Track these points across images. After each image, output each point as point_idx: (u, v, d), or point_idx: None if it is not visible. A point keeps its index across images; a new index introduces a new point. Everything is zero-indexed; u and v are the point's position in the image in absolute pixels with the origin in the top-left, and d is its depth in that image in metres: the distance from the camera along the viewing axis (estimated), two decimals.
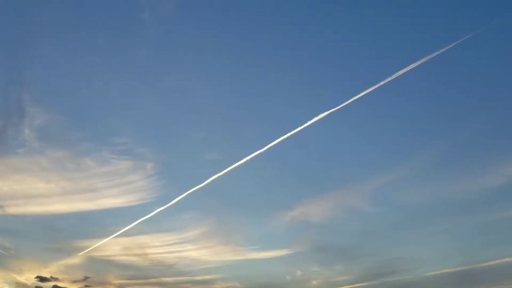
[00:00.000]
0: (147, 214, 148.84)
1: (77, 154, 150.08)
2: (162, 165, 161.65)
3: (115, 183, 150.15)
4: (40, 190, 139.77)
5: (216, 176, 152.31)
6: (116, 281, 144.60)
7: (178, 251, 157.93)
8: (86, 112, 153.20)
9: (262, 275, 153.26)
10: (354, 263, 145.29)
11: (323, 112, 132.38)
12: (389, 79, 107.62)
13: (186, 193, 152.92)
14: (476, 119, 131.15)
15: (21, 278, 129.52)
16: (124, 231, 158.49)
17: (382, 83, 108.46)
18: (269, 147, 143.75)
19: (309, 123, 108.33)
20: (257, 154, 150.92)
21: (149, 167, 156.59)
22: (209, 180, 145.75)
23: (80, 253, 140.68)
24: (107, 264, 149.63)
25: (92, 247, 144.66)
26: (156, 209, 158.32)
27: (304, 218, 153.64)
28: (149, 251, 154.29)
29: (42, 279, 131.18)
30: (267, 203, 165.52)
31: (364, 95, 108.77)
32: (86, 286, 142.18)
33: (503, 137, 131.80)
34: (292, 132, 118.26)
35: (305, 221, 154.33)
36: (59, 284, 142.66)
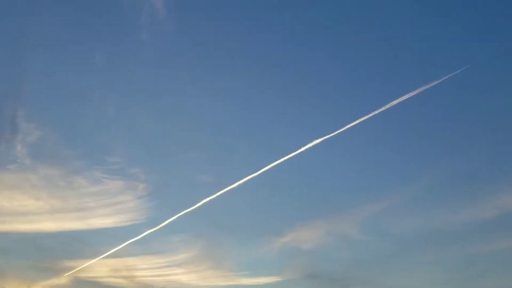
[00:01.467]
0: (136, 236, 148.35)
1: (68, 172, 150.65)
2: (153, 186, 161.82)
3: (105, 203, 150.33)
4: (29, 207, 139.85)
5: (208, 199, 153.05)
6: None
7: (167, 275, 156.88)
8: (79, 129, 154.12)
9: None
10: None
11: (317, 138, 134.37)
12: (384, 107, 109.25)
13: (177, 215, 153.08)
14: (470, 150, 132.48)
15: None
16: (113, 252, 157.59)
17: (377, 111, 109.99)
18: (262, 172, 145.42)
19: (303, 148, 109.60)
20: (250, 178, 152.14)
21: (141, 188, 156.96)
22: (200, 203, 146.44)
23: (66, 274, 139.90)
24: (94, 285, 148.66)
25: (79, 267, 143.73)
26: (146, 231, 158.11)
27: (295, 244, 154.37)
28: (137, 273, 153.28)
29: None
30: (258, 228, 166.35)
31: (359, 122, 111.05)
32: None
33: (497, 168, 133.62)
34: (286, 157, 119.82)
35: (296, 248, 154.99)
36: None
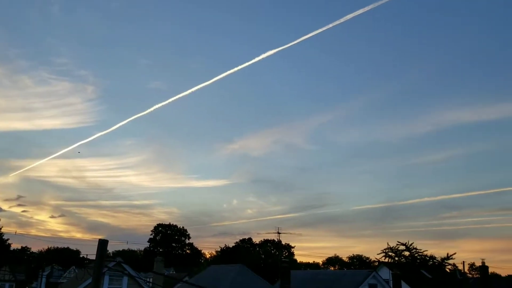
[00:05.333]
0: (86, 138, 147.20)
1: (13, 71, 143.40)
2: (103, 90, 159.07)
3: (53, 104, 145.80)
4: None
5: (160, 105, 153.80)
6: (52, 202, 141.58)
7: (117, 176, 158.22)
8: (25, 28, 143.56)
9: (200, 203, 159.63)
10: (287, 195, 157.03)
11: (270, 50, 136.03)
12: (336, 22, 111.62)
13: (128, 120, 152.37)
14: (411, 71, 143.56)
15: None
16: (62, 153, 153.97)
17: (330, 25, 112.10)
18: (215, 80, 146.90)
19: (256, 59, 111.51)
20: (203, 86, 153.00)
21: (90, 91, 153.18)
22: (152, 109, 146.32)
23: (14, 173, 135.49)
24: (43, 185, 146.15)
25: (27, 167, 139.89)
26: (96, 134, 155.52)
27: (244, 151, 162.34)
28: (87, 174, 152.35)
29: None
30: (209, 134, 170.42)
31: (311, 36, 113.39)
32: (19, 205, 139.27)
33: (433, 88, 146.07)
34: (239, 67, 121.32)
35: (245, 154, 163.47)
36: None
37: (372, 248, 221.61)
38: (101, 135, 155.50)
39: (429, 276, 44.77)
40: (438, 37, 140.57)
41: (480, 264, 41.78)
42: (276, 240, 72.21)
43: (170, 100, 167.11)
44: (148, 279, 40.23)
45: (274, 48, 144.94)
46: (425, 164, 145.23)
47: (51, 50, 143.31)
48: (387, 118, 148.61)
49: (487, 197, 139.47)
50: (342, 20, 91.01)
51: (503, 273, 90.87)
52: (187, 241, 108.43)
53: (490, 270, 45.69)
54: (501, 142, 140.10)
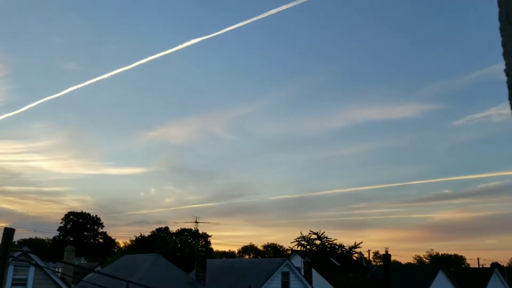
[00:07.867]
0: None
1: None
2: (13, 68, 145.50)
3: None
4: None
5: (74, 87, 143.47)
6: None
7: (26, 161, 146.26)
8: None
9: (116, 191, 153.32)
10: (206, 185, 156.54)
11: (195, 38, 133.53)
12: (261, 16, 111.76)
13: (39, 101, 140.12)
14: (326, 67, 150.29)
15: None
16: None
17: (255, 19, 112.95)
18: (136, 65, 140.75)
19: (179, 47, 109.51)
20: (123, 71, 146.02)
21: None
22: (66, 91, 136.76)
23: None
24: None
25: None
26: (3, 114, 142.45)
27: (164, 139, 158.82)
28: None
29: None
30: (127, 121, 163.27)
31: (236, 27, 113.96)
32: None
33: (346, 86, 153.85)
34: (161, 54, 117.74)
35: (165, 142, 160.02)
36: None
37: (286, 237, 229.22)
38: (9, 116, 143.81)
39: (338, 264, 47.42)
40: (353, 36, 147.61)
41: (384, 253, 45.26)
42: (194, 229, 72.21)
43: (86, 83, 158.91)
44: (57, 269, 38.43)
45: (198, 37, 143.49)
46: (336, 158, 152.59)
47: None
48: (302, 112, 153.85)
49: (391, 190, 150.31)
50: (266, 14, 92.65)
51: (403, 260, 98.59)
52: (100, 230, 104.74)
53: (392, 258, 49.88)
54: (405, 139, 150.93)
